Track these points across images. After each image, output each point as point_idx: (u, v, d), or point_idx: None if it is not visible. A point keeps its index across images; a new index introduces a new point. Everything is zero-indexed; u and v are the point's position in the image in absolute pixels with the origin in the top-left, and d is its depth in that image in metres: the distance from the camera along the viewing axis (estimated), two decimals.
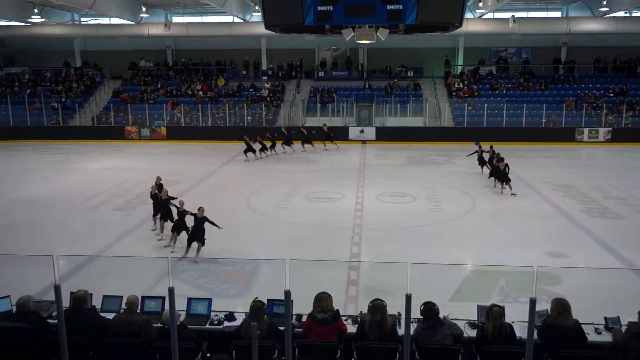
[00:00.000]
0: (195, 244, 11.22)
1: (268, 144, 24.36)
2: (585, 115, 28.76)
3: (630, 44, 31.93)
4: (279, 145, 24.96)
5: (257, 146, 23.75)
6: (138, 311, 6.46)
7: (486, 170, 19.28)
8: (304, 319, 6.38)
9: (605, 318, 6.45)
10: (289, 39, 32.36)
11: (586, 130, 28.31)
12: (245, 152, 23.38)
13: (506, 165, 17.02)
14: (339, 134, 28.88)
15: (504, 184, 16.95)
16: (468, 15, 26.24)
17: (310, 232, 13.39)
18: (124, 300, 6.52)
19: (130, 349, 5.99)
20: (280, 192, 17.54)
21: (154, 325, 6.26)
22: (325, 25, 9.37)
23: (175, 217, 11.99)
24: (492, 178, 17.98)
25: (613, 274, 10.56)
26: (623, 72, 32.59)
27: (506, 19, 28.99)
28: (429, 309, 6.13)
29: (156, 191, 13.29)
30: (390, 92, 31.67)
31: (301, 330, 6.27)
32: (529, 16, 32.75)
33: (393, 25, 9.48)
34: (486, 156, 19.70)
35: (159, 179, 14.16)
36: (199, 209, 11.25)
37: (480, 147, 20.52)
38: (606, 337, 6.25)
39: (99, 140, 29.55)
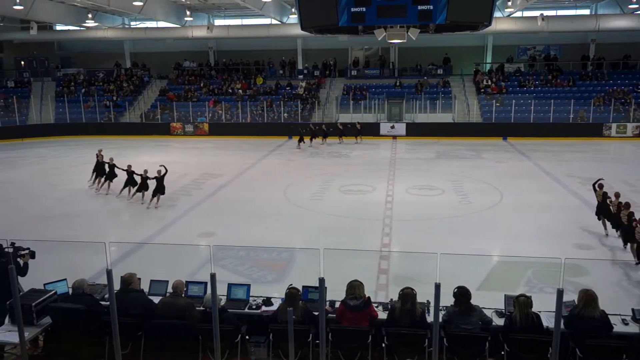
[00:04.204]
0: None
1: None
2: (613, 111, 27.78)
3: None
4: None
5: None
6: (182, 295, 6.57)
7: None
8: (337, 305, 6.37)
9: (633, 309, 6.25)
10: (324, 40, 32.30)
11: (614, 125, 27.34)
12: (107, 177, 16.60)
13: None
14: (370, 130, 28.75)
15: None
16: (497, 14, 25.65)
17: (343, 223, 13.36)
18: (170, 285, 6.64)
19: (175, 330, 6.12)
20: (314, 184, 17.56)
21: (197, 308, 6.36)
22: (359, 25, 9.30)
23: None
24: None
25: None
26: None
27: (535, 17, 28.24)
28: (462, 293, 6.05)
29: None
30: (420, 89, 31.28)
31: (334, 315, 6.27)
32: (558, 14, 31.78)
33: (424, 24, 9.35)
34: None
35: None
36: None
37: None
38: (633, 328, 6.06)
39: (146, 135, 30.17)
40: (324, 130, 26.24)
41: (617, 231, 11.39)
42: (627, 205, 10.78)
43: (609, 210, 11.66)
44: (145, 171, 15.18)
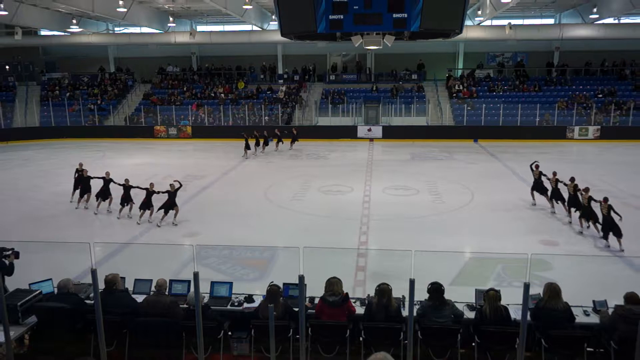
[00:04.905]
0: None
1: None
2: (576, 115, 28.42)
3: (618, 48, 31.44)
4: None
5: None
6: (166, 293, 6.52)
7: None
8: (317, 301, 6.39)
9: (594, 301, 6.40)
10: (303, 45, 32.29)
11: (577, 128, 27.97)
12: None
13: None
14: (348, 133, 28.87)
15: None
16: (468, 22, 25.99)
17: (322, 222, 13.40)
18: (154, 283, 6.58)
19: (159, 327, 6.06)
20: (295, 185, 17.55)
21: (181, 306, 6.32)
22: (336, 32, 9.32)
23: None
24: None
25: (601, 261, 10.47)
26: (611, 74, 32.10)
27: (503, 26, 28.71)
28: (436, 288, 6.12)
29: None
30: (395, 93, 31.52)
31: (314, 311, 6.29)
32: (525, 23, 32.36)
33: (399, 32, 9.42)
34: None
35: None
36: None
37: None
38: (594, 319, 6.21)
39: (131, 138, 29.78)
40: (265, 137, 25.38)
41: (566, 208, 13.05)
42: (587, 189, 11.94)
43: (543, 186, 14.09)
44: (152, 185, 13.02)
